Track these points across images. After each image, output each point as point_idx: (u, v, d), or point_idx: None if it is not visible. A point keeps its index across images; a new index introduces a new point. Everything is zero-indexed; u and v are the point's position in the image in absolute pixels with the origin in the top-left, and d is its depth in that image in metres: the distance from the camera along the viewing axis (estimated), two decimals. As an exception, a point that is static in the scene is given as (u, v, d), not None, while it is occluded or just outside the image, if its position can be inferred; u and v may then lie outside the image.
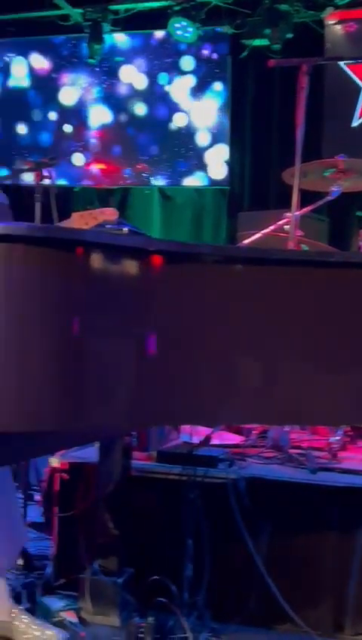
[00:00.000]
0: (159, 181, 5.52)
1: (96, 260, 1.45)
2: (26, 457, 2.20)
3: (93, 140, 5.60)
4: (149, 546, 2.65)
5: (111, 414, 1.50)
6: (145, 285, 1.49)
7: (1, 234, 1.37)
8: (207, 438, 2.91)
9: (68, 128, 5.57)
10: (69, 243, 1.43)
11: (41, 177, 3.03)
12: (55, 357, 1.40)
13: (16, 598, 2.51)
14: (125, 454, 2.73)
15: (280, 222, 3.28)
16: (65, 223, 3.04)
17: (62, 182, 5.45)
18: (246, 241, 3.37)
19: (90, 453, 2.80)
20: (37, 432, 1.44)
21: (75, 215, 3.04)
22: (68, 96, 5.62)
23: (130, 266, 1.49)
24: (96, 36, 5.19)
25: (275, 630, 2.52)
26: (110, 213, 2.49)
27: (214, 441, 2.96)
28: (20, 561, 2.87)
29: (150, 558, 2.63)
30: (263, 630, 2.52)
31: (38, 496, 3.55)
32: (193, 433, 3.02)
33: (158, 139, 5.47)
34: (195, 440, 2.94)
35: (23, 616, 2.39)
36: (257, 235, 3.34)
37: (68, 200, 5.37)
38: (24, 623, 2.37)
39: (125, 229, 2.70)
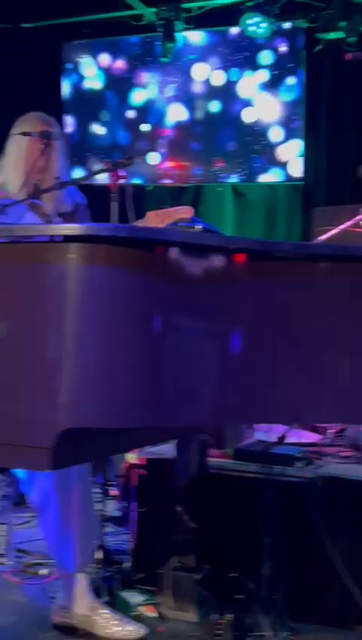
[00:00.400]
0: (233, 178, 5.51)
1: (178, 259, 1.46)
2: (108, 454, 2.24)
3: (167, 139, 5.63)
4: (226, 543, 2.65)
5: (193, 413, 1.51)
6: (226, 284, 1.50)
7: (85, 234, 1.39)
8: (283, 437, 2.89)
9: (144, 127, 5.62)
10: (152, 242, 1.44)
11: (117, 177, 3.06)
12: (139, 355, 1.42)
13: (96, 592, 2.55)
14: (201, 451, 2.74)
15: (357, 217, 3.24)
16: (141, 222, 3.06)
17: (136, 181, 5.50)
18: (322, 237, 3.34)
19: (167, 449, 2.82)
20: (121, 428, 1.47)
21: (149, 214, 3.05)
22: (142, 95, 5.67)
23: (212, 265, 1.49)
24: (169, 35, 5.21)
25: (355, 631, 2.49)
26: (185, 212, 2.50)
27: (290, 439, 2.94)
28: (99, 555, 2.92)
29: (227, 555, 2.63)
30: (342, 630, 2.49)
31: (114, 491, 3.61)
32: (268, 431, 3.00)
33: (233, 135, 5.46)
34: (271, 438, 2.93)
35: (103, 611, 2.43)
36: (334, 231, 3.30)
37: (141, 199, 5.41)
38: (104, 617, 2.41)
39: (198, 227, 2.71)
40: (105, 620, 2.41)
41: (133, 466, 2.93)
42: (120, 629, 2.40)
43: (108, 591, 2.68)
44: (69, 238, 1.37)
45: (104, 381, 1.38)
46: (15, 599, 2.75)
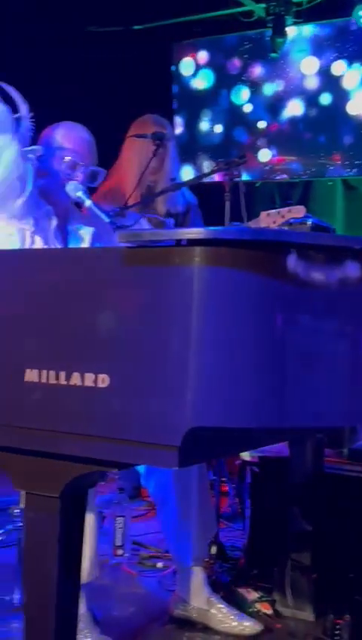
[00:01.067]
0: (345, 171, 5.42)
1: (302, 261, 1.46)
2: (230, 453, 2.27)
3: (277, 134, 5.60)
4: (342, 543, 2.63)
5: (316, 414, 1.51)
6: (353, 284, 1.49)
7: (209, 238, 1.41)
8: None
9: (254, 124, 5.60)
10: (274, 244, 1.45)
11: (230, 176, 3.08)
12: (262, 356, 1.43)
13: (212, 587, 2.59)
14: (317, 451, 2.73)
15: None
16: (253, 223, 3.07)
17: (245, 177, 5.49)
18: None
19: (281, 447, 2.82)
20: (243, 429, 1.49)
21: (262, 214, 3.06)
22: (252, 92, 5.66)
23: (336, 266, 1.49)
24: (280, 30, 5.18)
25: None
26: (298, 211, 2.50)
27: None
28: (214, 550, 2.96)
29: (343, 555, 2.61)
30: None
31: (227, 488, 3.64)
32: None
33: (346, 129, 5.36)
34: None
35: (220, 605, 2.46)
36: None
37: (250, 195, 5.40)
38: (221, 612, 2.44)
39: (309, 222, 2.69)
40: (223, 615, 2.44)
41: (246, 463, 2.95)
42: (236, 624, 2.42)
43: (223, 586, 2.72)
44: (194, 242, 1.39)
45: (228, 381, 1.40)
46: (133, 591, 2.82)
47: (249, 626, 2.42)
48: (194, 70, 5.79)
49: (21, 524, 2.54)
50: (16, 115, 2.23)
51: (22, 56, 5.41)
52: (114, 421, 1.45)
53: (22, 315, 1.59)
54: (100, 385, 1.47)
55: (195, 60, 5.78)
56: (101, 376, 1.47)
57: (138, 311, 1.44)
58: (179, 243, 1.41)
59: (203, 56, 5.77)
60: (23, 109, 2.23)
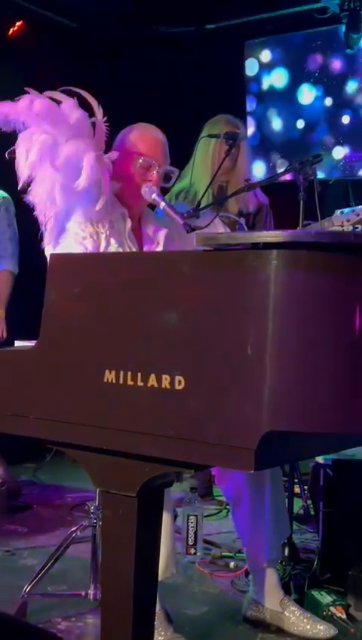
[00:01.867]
0: None
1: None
2: (306, 456, 2.25)
3: (352, 131, 5.50)
4: None
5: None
6: None
7: (287, 241, 1.41)
8: None
9: (330, 121, 5.52)
10: (353, 247, 1.44)
11: (304, 176, 3.05)
12: (340, 360, 1.42)
13: (285, 589, 2.58)
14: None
15: None
16: (327, 221, 3.04)
17: (319, 175, 5.43)
18: None
19: (355, 450, 2.79)
20: (321, 433, 1.48)
21: (337, 213, 3.03)
22: (325, 89, 5.58)
23: None
24: (354, 25, 5.11)
25: None
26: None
27: None
28: (286, 552, 2.94)
29: None
30: None
31: (298, 489, 3.61)
32: None
33: None
34: None
35: (293, 608, 2.45)
36: None
37: (323, 193, 5.33)
38: (295, 615, 2.43)
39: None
40: (296, 618, 2.43)
41: (320, 465, 2.92)
42: (310, 627, 2.40)
43: (296, 589, 2.70)
44: (271, 245, 1.39)
45: (305, 385, 1.40)
46: (205, 590, 2.83)
47: (323, 629, 2.39)
48: (268, 68, 5.75)
49: (95, 520, 2.60)
50: (92, 120, 2.26)
51: (96, 58, 5.50)
52: (190, 422, 1.46)
53: (100, 317, 1.61)
54: (176, 386, 1.49)
55: (268, 58, 5.74)
56: (177, 377, 1.49)
57: (214, 313, 1.45)
58: (256, 246, 1.42)
59: (276, 54, 5.73)
60: (99, 113, 2.26)
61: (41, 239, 2.29)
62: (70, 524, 3.44)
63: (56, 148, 2.16)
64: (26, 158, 2.16)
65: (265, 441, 1.38)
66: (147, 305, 1.54)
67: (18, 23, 5.19)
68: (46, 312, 1.69)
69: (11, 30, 5.17)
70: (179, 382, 1.49)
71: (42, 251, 2.29)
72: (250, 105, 5.76)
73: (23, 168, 2.17)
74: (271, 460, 1.56)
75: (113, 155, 2.29)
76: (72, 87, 2.27)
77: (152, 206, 2.51)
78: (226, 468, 1.62)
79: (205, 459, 1.47)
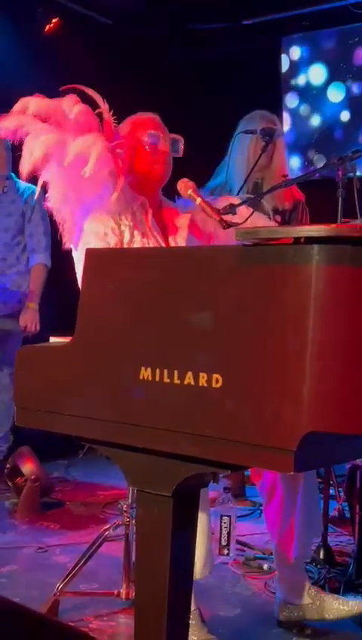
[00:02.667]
0: None
1: None
2: (345, 459, 2.21)
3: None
4: None
5: None
6: None
7: (330, 236, 1.37)
8: None
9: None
10: None
11: (344, 172, 3.00)
12: (383, 359, 1.37)
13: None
14: None
15: None
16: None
17: (359, 172, 5.35)
18: None
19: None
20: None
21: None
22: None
23: None
24: (393, 20, 5.03)
25: None
26: None
27: None
28: (321, 554, 2.90)
29: None
30: None
31: (333, 492, 3.56)
32: None
33: None
34: None
35: (322, 595, 2.44)
36: None
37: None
38: (328, 601, 2.41)
39: None
40: (329, 603, 2.40)
41: (356, 467, 2.87)
42: (346, 607, 2.38)
43: (331, 592, 2.65)
44: (314, 240, 1.36)
45: (347, 385, 1.36)
46: (239, 592, 2.80)
47: (355, 603, 2.37)
48: (305, 64, 5.68)
49: (128, 519, 2.57)
50: (97, 111, 2.25)
51: (131, 56, 5.48)
52: (228, 422, 1.43)
53: (136, 313, 1.59)
54: (214, 385, 1.46)
55: (306, 54, 5.68)
56: (215, 376, 1.46)
57: (253, 310, 1.41)
58: (297, 241, 1.38)
59: (313, 49, 5.66)
60: (104, 107, 2.25)
61: (61, 239, 2.26)
62: (102, 521, 3.44)
63: (62, 146, 2.13)
64: (30, 156, 2.13)
65: (305, 443, 1.35)
66: (184, 301, 1.52)
67: (54, 20, 5.20)
68: (81, 308, 1.67)
69: (48, 27, 5.18)
70: (217, 380, 1.45)
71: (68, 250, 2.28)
72: (287, 101, 5.70)
73: (25, 165, 2.14)
74: (312, 461, 1.52)
75: (121, 143, 2.26)
76: (75, 85, 2.26)
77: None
78: (264, 469, 1.58)
79: (242, 459, 1.44)
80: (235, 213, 2.39)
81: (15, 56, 4.98)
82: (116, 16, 5.54)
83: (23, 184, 4.24)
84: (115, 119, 2.32)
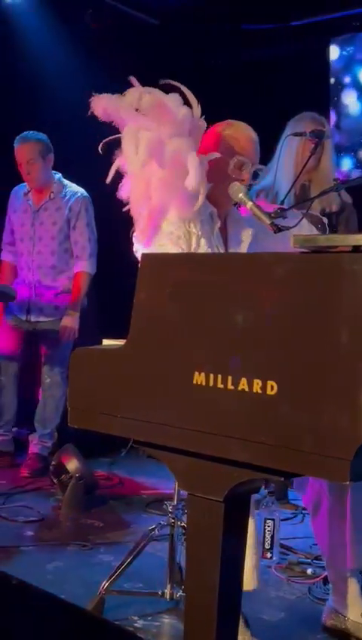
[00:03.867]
0: None
1: None
2: None
3: None
4: None
5: None
6: None
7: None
8: None
9: None
10: None
11: (395, 175, 2.97)
12: None
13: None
14: None
15: None
16: None
17: None
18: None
19: None
20: None
21: None
22: None
23: None
24: None
25: None
26: None
27: None
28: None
29: None
30: None
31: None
32: None
33: None
34: None
35: (376, 619, 2.39)
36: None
37: None
38: None
39: None
40: None
41: None
42: None
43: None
44: (371, 248, 1.35)
45: None
46: (282, 596, 2.79)
47: None
48: (354, 66, 5.63)
49: (173, 519, 2.59)
50: (195, 116, 2.25)
51: (179, 56, 5.49)
52: (282, 429, 1.43)
53: (191, 318, 1.60)
54: (268, 392, 1.46)
55: (355, 54, 5.62)
56: (269, 382, 1.46)
57: (310, 318, 1.41)
58: (357, 249, 1.37)
59: (362, 50, 5.60)
60: (197, 111, 2.25)
61: (132, 237, 2.29)
62: (146, 520, 3.46)
63: (162, 145, 2.15)
64: (135, 153, 2.15)
65: (361, 452, 1.34)
66: (239, 307, 1.52)
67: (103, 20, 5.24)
68: (136, 311, 1.68)
69: (97, 26, 5.22)
70: (271, 387, 1.45)
71: (131, 250, 2.29)
72: (336, 102, 5.65)
73: (134, 164, 2.16)
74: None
75: (216, 155, 2.27)
76: (172, 82, 2.26)
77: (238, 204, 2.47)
78: (320, 478, 1.57)
79: (297, 467, 1.43)
80: (286, 217, 2.39)
81: (64, 57, 5.04)
82: (164, 16, 5.56)
83: (69, 189, 4.29)
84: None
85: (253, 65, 5.59)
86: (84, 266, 4.24)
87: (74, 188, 4.30)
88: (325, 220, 3.43)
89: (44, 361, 4.33)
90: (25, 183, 4.30)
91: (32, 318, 4.26)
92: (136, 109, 2.19)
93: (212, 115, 2.49)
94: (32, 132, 4.23)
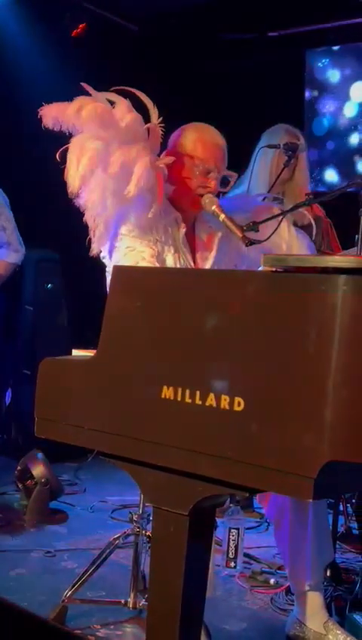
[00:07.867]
0: None
1: None
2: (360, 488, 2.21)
3: None
4: None
5: None
6: None
7: (357, 267, 1.38)
8: None
9: None
10: None
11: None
12: None
13: (327, 610, 2.53)
14: None
15: None
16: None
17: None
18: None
19: None
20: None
21: None
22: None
23: None
24: None
25: None
26: None
27: None
28: (328, 573, 2.90)
29: None
30: None
31: (342, 507, 3.56)
32: None
33: None
34: None
35: (337, 631, 2.41)
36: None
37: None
38: (338, 638, 2.39)
39: None
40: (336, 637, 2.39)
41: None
42: None
43: (337, 610, 2.66)
44: (342, 270, 1.37)
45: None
46: (244, 605, 2.80)
47: None
48: (329, 77, 5.69)
49: (138, 528, 2.59)
50: (147, 126, 2.21)
51: (156, 62, 5.50)
52: (248, 445, 1.45)
53: (161, 332, 1.61)
54: (235, 408, 1.47)
55: (330, 67, 5.68)
56: (237, 399, 1.47)
57: (279, 336, 1.43)
58: (325, 270, 1.39)
59: (338, 64, 5.66)
60: (154, 114, 2.21)
61: (89, 245, 2.25)
62: (111, 527, 3.45)
63: (109, 154, 2.10)
64: (76, 167, 2.12)
65: (325, 471, 1.36)
66: (209, 323, 1.53)
67: (81, 25, 5.23)
68: (106, 323, 1.69)
69: (74, 32, 5.21)
70: (239, 403, 1.47)
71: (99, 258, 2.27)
72: (309, 114, 5.70)
73: (74, 178, 2.13)
74: (332, 489, 1.53)
75: (169, 160, 2.24)
76: (126, 88, 2.22)
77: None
78: (284, 495, 1.58)
79: (262, 484, 1.45)
80: (258, 231, 2.39)
81: (42, 58, 5.02)
82: (142, 22, 5.56)
83: None
84: (161, 128, 2.28)
85: (230, 74, 5.62)
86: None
87: None
88: (299, 231, 3.46)
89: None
90: None
91: None
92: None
93: (187, 122, 2.48)
94: None
